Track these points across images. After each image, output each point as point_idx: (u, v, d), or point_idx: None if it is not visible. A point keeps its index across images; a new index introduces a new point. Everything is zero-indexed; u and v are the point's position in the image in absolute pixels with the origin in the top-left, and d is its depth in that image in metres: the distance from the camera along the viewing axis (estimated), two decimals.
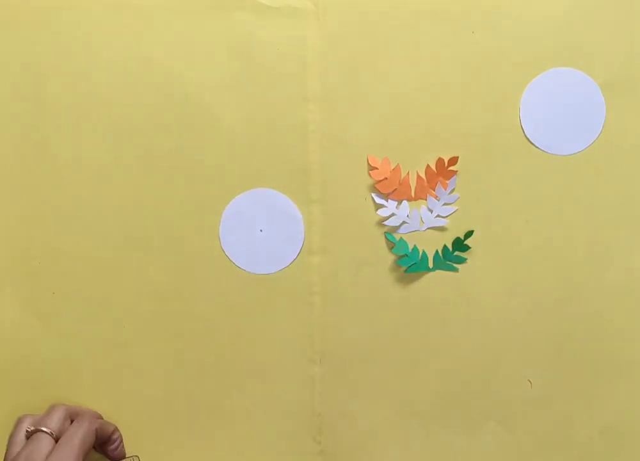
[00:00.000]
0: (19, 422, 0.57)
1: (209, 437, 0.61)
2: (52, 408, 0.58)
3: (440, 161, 0.61)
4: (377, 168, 0.61)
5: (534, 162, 0.61)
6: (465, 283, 0.61)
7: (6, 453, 0.57)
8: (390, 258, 0.61)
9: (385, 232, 0.61)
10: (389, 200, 0.61)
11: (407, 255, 0.61)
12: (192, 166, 0.61)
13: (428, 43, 0.61)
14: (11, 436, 0.57)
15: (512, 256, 0.61)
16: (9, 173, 0.61)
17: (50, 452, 0.55)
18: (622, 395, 0.62)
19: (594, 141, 0.62)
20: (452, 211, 0.61)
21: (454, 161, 0.61)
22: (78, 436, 0.56)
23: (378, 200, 0.61)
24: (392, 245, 0.61)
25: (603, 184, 0.62)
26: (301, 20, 0.61)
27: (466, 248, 0.61)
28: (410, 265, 0.61)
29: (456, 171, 0.61)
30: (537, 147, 0.62)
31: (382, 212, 0.61)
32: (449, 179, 0.61)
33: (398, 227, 0.61)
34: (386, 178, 0.61)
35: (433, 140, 0.61)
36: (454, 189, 0.61)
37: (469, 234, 0.61)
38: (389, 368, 0.61)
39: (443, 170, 0.61)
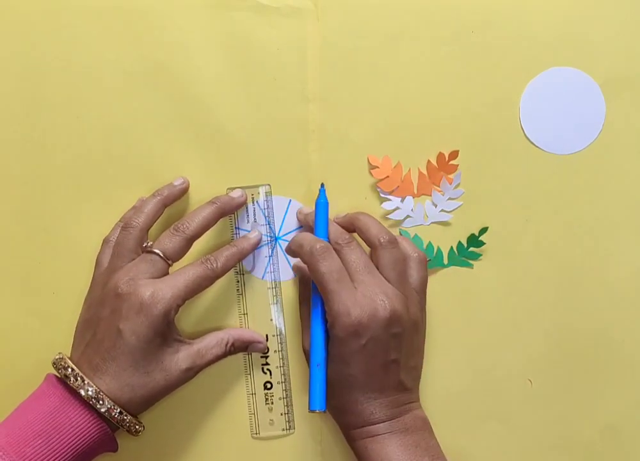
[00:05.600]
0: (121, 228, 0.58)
1: (216, 434, 0.61)
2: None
3: (440, 156, 0.61)
4: (378, 167, 0.61)
5: (534, 161, 0.62)
6: (466, 282, 0.61)
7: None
8: None
9: (400, 229, 0.61)
10: (392, 197, 0.61)
11: None
12: (192, 166, 0.61)
13: (427, 43, 0.61)
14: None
15: (512, 255, 0.61)
16: (8, 173, 0.61)
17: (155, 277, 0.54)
18: (623, 393, 0.62)
19: (595, 140, 0.62)
20: (456, 206, 0.61)
21: (454, 154, 0.61)
22: (189, 275, 0.55)
23: (383, 194, 0.61)
24: None
25: (603, 184, 0.62)
26: (301, 19, 0.61)
27: (480, 243, 0.61)
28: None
29: (457, 165, 0.61)
30: (537, 147, 0.62)
31: (386, 206, 0.61)
32: (452, 173, 0.61)
33: (402, 221, 0.61)
34: (388, 177, 0.61)
35: (433, 139, 0.61)
36: (459, 183, 0.61)
37: (483, 230, 0.61)
38: None
39: (445, 165, 0.61)
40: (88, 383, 0.52)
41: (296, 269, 0.61)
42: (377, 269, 0.56)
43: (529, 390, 0.61)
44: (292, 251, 0.58)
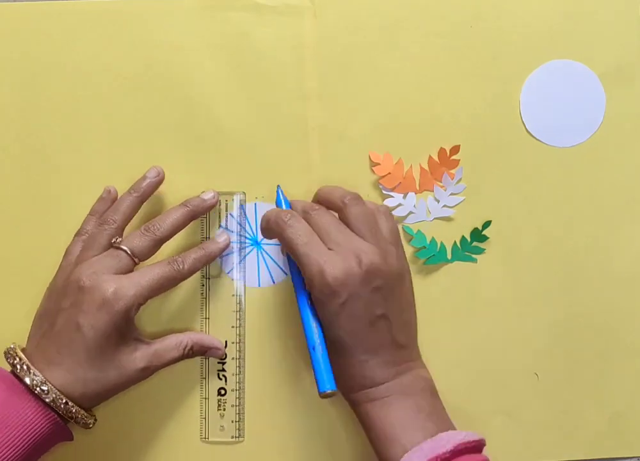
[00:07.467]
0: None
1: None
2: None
3: (442, 151, 0.61)
4: (379, 164, 0.61)
5: (536, 154, 0.62)
6: (470, 277, 0.61)
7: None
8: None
9: (403, 225, 0.61)
10: (395, 194, 0.61)
11: (425, 247, 0.61)
12: (193, 166, 0.61)
13: (425, 38, 0.61)
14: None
15: (515, 248, 0.61)
16: (7, 178, 0.61)
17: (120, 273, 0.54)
18: (630, 382, 0.62)
19: (595, 132, 0.62)
20: (459, 201, 0.61)
21: (456, 149, 0.61)
22: (154, 274, 0.54)
23: (385, 191, 0.61)
24: (410, 237, 0.61)
25: (604, 175, 0.62)
26: (298, 17, 0.61)
27: (484, 238, 0.61)
28: (429, 257, 0.61)
29: (459, 160, 0.61)
30: (538, 140, 0.62)
31: (389, 202, 0.61)
32: (454, 169, 0.61)
33: (405, 217, 0.61)
34: (389, 173, 0.61)
35: (434, 135, 0.61)
36: (460, 178, 0.61)
37: (487, 224, 0.61)
38: None
39: (446, 160, 0.61)
40: (34, 372, 0.52)
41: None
42: (349, 228, 0.55)
43: (536, 384, 0.61)
44: (263, 229, 0.57)
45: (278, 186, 0.59)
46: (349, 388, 0.54)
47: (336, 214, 0.56)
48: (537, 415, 0.61)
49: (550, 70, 0.61)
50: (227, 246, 0.59)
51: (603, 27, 0.62)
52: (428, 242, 0.61)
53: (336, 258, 0.52)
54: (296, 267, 0.55)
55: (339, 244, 0.53)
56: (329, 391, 0.52)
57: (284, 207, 0.58)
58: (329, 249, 0.53)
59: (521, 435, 0.61)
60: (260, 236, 0.61)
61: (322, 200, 0.58)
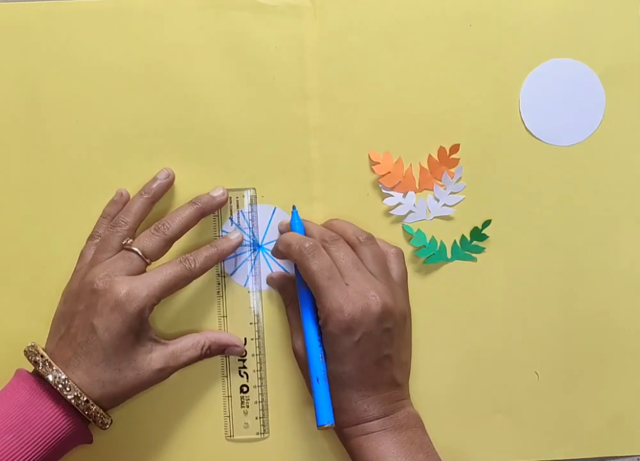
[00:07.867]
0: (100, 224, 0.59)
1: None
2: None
3: (441, 150, 0.61)
4: (379, 163, 0.61)
5: (536, 153, 0.62)
6: (470, 276, 0.61)
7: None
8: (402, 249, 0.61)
9: (403, 224, 0.61)
10: (395, 193, 0.61)
11: (425, 246, 0.61)
12: (193, 167, 0.61)
13: (425, 37, 0.61)
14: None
15: (515, 247, 0.61)
16: (10, 177, 0.61)
17: (132, 275, 0.55)
18: (630, 383, 0.62)
19: (595, 131, 0.62)
20: (458, 200, 0.61)
21: (455, 148, 0.61)
22: (166, 274, 0.55)
23: (384, 190, 0.61)
24: (409, 237, 0.61)
25: (604, 174, 0.62)
26: (298, 17, 0.61)
27: (484, 237, 0.61)
28: (429, 256, 0.61)
29: (459, 159, 0.61)
30: (538, 139, 0.62)
31: (389, 201, 0.61)
32: (453, 167, 0.61)
33: (405, 216, 0.61)
34: (389, 172, 0.61)
35: (434, 134, 0.61)
36: (460, 177, 0.61)
37: (486, 223, 0.61)
38: None
39: (446, 159, 0.61)
40: (56, 369, 0.52)
41: (270, 280, 0.61)
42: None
43: (536, 383, 0.61)
44: (279, 251, 0.58)
45: (294, 206, 0.60)
46: (345, 423, 0.55)
47: None
48: (537, 415, 0.61)
49: (550, 69, 0.61)
50: (239, 243, 0.59)
51: (604, 27, 0.62)
52: (428, 241, 0.61)
53: (355, 296, 0.54)
54: (306, 299, 0.57)
55: (355, 280, 0.55)
56: (327, 425, 0.54)
57: (297, 229, 0.59)
58: (346, 283, 0.54)
59: (521, 435, 0.61)
60: (259, 239, 0.61)
61: (336, 232, 0.59)
